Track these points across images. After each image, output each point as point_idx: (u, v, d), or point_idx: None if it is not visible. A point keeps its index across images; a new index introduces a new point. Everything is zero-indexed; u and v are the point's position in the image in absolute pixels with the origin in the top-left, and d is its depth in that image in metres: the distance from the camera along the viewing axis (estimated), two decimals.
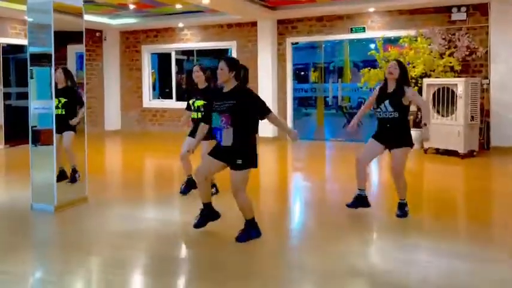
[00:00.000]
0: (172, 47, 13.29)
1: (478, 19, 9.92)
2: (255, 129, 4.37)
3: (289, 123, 11.74)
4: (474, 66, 9.94)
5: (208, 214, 4.60)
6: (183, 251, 4.43)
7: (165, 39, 13.30)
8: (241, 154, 4.23)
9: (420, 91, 9.29)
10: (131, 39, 13.79)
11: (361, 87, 10.49)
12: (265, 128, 11.27)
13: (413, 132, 9.82)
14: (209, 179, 4.52)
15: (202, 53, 13.95)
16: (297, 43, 11.65)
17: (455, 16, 10.06)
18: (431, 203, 6.10)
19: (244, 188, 4.32)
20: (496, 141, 9.69)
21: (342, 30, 11.14)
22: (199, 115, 5.67)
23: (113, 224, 5.18)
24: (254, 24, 11.90)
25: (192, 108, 5.89)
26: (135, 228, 4.92)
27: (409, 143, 5.11)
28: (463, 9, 9.97)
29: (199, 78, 5.89)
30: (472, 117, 9.08)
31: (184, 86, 13.79)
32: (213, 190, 5.82)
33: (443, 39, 9.71)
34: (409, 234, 4.68)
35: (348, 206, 5.34)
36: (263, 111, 4.28)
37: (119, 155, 10.74)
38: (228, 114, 4.22)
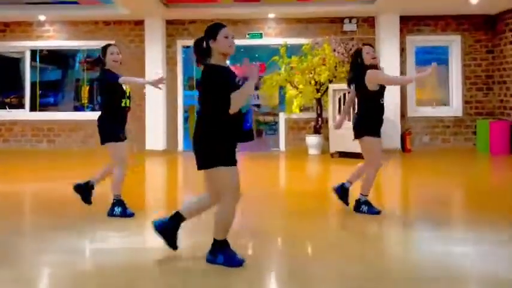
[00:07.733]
0: (27, 45, 10.87)
1: (367, 30, 10.61)
2: None
3: (180, 133, 10.73)
4: None
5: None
6: None
7: (17, 35, 10.82)
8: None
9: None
10: None
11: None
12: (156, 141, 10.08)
13: (314, 138, 9.95)
14: None
15: (45, 57, 11.89)
16: (188, 46, 10.68)
17: (347, 27, 10.59)
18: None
19: None
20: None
21: (237, 36, 10.59)
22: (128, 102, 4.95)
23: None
24: (138, 23, 10.58)
25: (126, 95, 4.94)
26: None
27: None
28: (354, 20, 10.57)
29: (119, 60, 4.98)
30: None
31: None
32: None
33: (344, 48, 10.05)
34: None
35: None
36: None
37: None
38: None
